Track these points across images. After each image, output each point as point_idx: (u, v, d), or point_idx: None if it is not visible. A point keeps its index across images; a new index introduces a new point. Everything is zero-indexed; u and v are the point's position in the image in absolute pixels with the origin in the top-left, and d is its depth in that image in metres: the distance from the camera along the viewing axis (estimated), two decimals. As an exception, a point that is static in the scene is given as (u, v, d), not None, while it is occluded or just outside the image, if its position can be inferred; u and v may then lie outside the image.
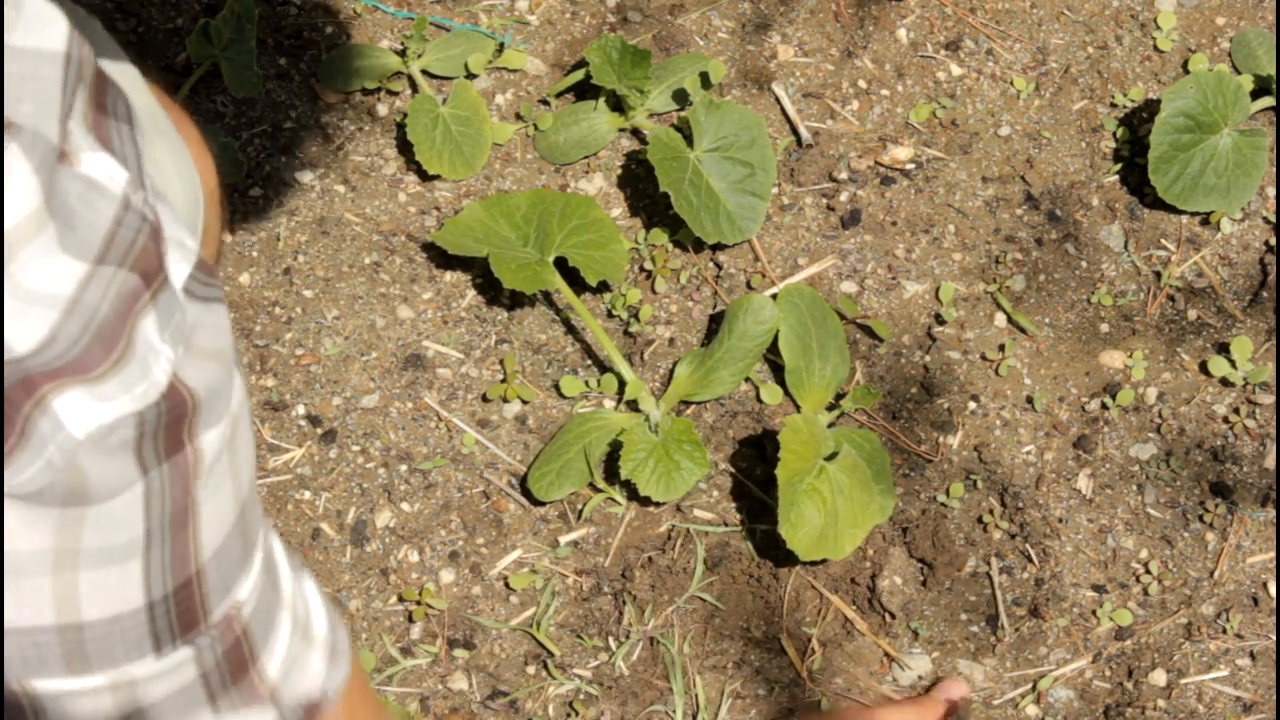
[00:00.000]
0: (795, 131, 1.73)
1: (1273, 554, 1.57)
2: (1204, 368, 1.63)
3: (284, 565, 0.84)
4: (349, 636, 0.88)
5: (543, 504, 1.57)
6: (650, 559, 1.55)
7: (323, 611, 0.87)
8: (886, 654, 1.53)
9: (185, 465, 0.72)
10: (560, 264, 1.63)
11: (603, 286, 1.65)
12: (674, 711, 1.51)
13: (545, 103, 1.75)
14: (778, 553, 1.53)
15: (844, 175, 1.71)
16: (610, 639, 1.53)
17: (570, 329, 1.64)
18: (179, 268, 0.72)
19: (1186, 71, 1.77)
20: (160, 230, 0.71)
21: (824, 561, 1.54)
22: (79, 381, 0.67)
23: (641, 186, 1.71)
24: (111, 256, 0.68)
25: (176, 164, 1.06)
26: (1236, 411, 1.61)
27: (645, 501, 1.56)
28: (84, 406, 0.67)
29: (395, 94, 1.75)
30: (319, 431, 1.60)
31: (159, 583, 0.73)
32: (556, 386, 1.62)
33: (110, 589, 0.71)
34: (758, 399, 1.61)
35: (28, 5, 0.67)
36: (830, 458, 1.52)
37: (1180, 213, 1.70)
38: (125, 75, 1.08)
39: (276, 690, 0.82)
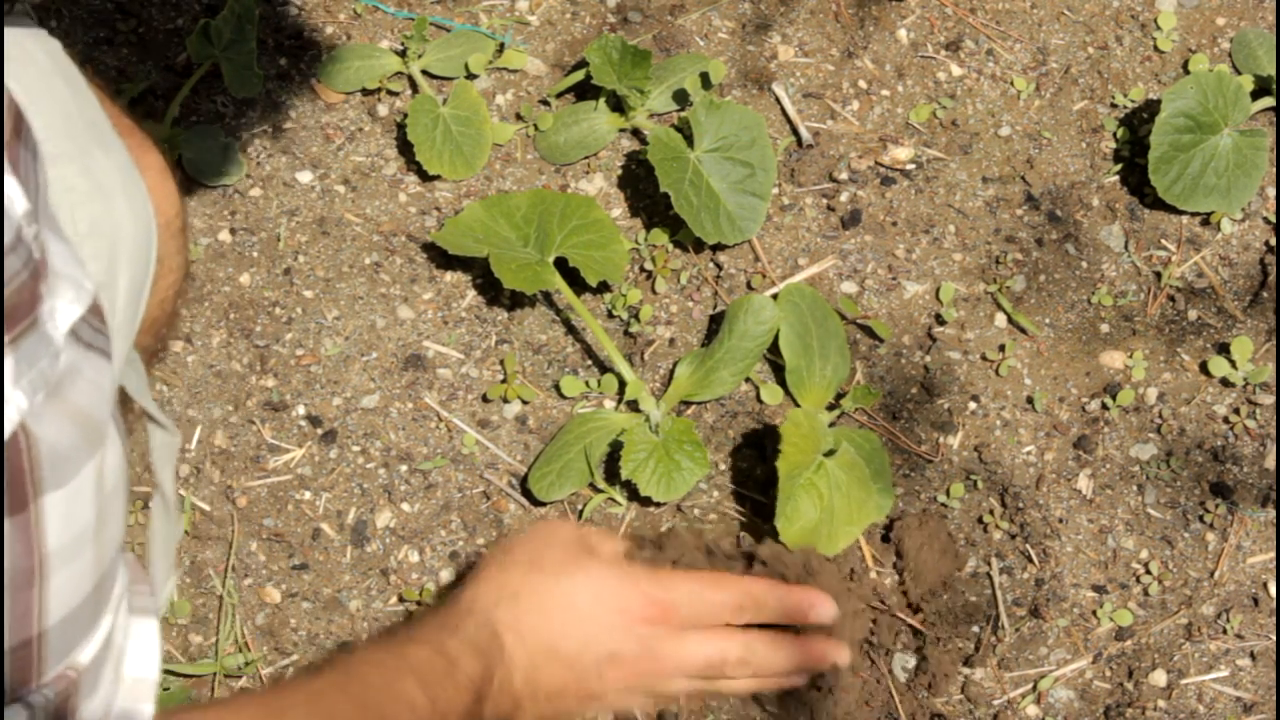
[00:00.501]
0: (795, 132, 1.73)
1: (1273, 554, 1.57)
2: (1204, 368, 1.63)
3: (123, 613, 0.82)
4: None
5: (543, 504, 1.57)
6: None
7: (151, 648, 0.84)
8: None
9: (28, 523, 0.69)
10: (560, 264, 1.63)
11: (603, 287, 1.65)
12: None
13: (545, 103, 1.75)
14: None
15: (844, 175, 1.71)
16: (610, 639, 1.53)
17: (570, 329, 1.64)
18: (68, 308, 0.70)
19: (1187, 72, 1.77)
20: (42, 270, 0.68)
21: None
22: None
23: (642, 187, 1.71)
24: None
25: (126, 189, 1.04)
26: (1237, 412, 1.61)
27: (646, 502, 1.56)
28: None
29: (395, 94, 1.75)
30: (319, 432, 1.60)
31: None
32: (557, 387, 1.62)
33: None
34: (758, 399, 1.61)
35: None
36: (829, 454, 1.52)
37: (1180, 213, 1.70)
38: (80, 92, 1.07)
39: None
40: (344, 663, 1.08)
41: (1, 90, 0.68)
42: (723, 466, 1.58)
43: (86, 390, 0.71)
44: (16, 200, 0.68)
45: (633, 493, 1.56)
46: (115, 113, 1.11)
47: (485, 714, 1.12)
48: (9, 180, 0.68)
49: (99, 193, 0.96)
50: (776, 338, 1.59)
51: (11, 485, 0.68)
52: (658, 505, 1.57)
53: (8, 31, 0.96)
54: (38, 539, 0.70)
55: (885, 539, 1.56)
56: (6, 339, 0.66)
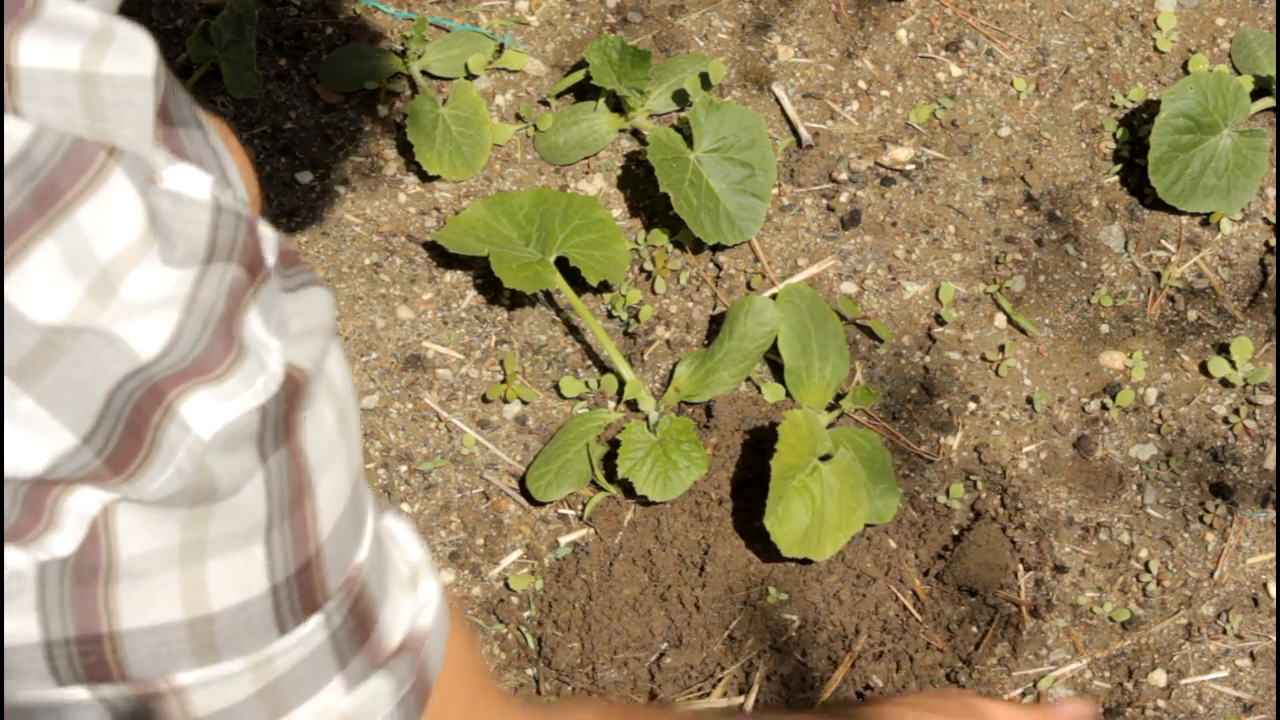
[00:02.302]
0: (795, 132, 1.73)
1: (1273, 555, 1.57)
2: (1204, 368, 1.63)
3: (390, 532, 0.84)
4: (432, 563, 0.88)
5: (542, 504, 1.57)
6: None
7: (414, 542, 0.87)
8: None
9: (298, 444, 0.72)
10: (561, 264, 1.63)
11: (604, 287, 1.65)
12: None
13: (545, 103, 1.75)
14: (763, 546, 1.52)
15: (844, 176, 1.71)
16: (610, 639, 1.53)
17: (570, 330, 1.64)
18: (269, 258, 0.73)
19: (1186, 72, 1.77)
20: (254, 224, 0.72)
21: (807, 561, 1.53)
22: (203, 383, 0.68)
23: (641, 187, 1.71)
24: (218, 255, 0.69)
25: (232, 179, 1.07)
26: (1236, 412, 1.61)
27: (645, 501, 1.56)
28: (209, 408, 0.68)
29: (395, 95, 1.75)
30: (319, 432, 1.60)
31: (281, 566, 0.74)
32: (556, 387, 1.62)
33: (236, 577, 0.72)
34: (755, 402, 1.61)
35: (119, 31, 0.68)
36: (825, 458, 1.52)
37: (1180, 213, 1.70)
38: (174, 85, 1.08)
39: (395, 656, 0.82)
40: None
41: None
42: (724, 465, 1.58)
43: (305, 316, 0.74)
44: (199, 178, 0.70)
45: (629, 491, 1.56)
46: (194, 99, 1.13)
47: None
48: (185, 168, 0.70)
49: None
50: (776, 338, 1.59)
51: (287, 416, 0.71)
52: (656, 505, 1.57)
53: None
54: (302, 453, 0.73)
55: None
56: (252, 290, 0.70)
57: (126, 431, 0.66)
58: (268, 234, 0.75)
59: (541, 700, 1.39)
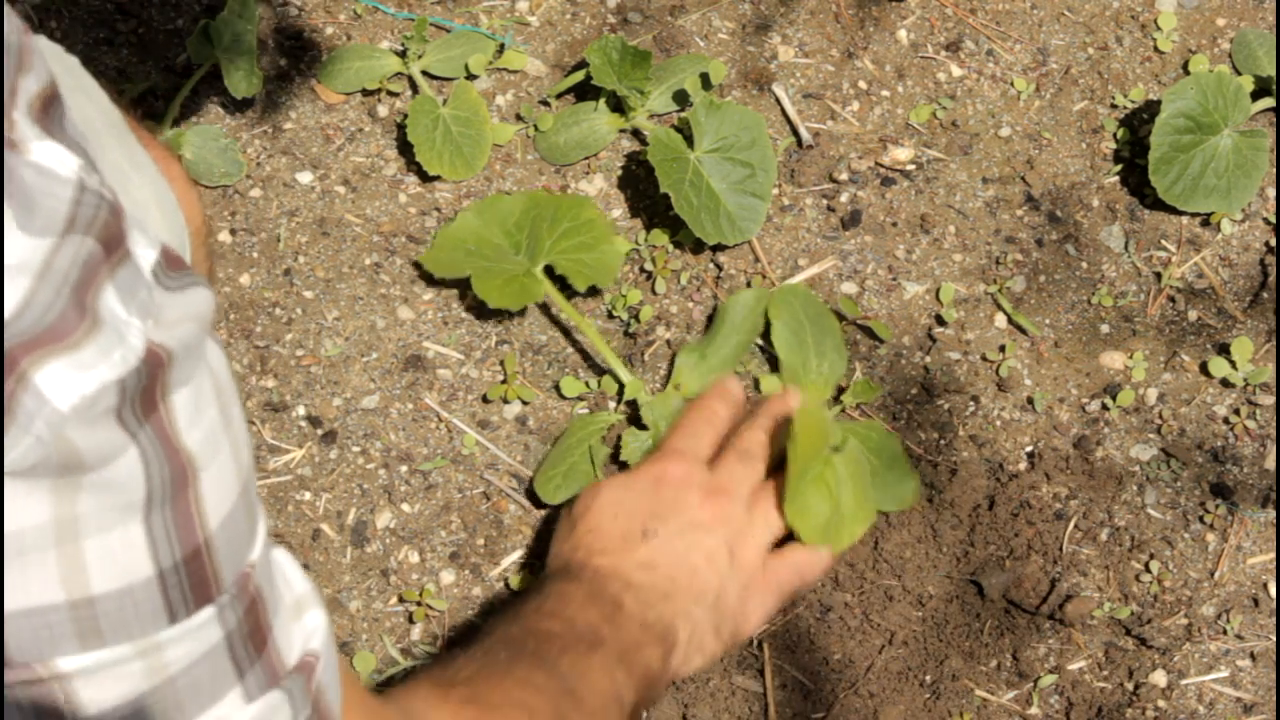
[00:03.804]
0: (796, 132, 1.73)
1: (1273, 555, 1.57)
2: (1204, 369, 1.63)
3: (276, 563, 0.85)
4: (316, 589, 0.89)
5: (546, 506, 1.57)
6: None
7: (299, 574, 0.88)
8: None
9: (162, 423, 0.72)
10: (552, 271, 1.63)
11: (592, 292, 1.64)
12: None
13: (545, 104, 1.75)
14: (781, 541, 1.52)
15: (844, 176, 1.71)
16: (610, 640, 1.53)
17: (570, 330, 1.64)
18: (144, 252, 0.73)
19: (1187, 72, 1.77)
20: (120, 209, 0.72)
21: None
22: (57, 351, 0.68)
23: (642, 187, 1.71)
24: (76, 229, 0.70)
25: (158, 200, 1.07)
26: (1237, 413, 1.61)
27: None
28: (65, 378, 0.68)
29: (396, 95, 1.75)
30: (319, 432, 1.60)
31: (166, 550, 0.73)
32: (557, 387, 1.62)
33: (117, 558, 0.72)
34: (756, 390, 1.61)
35: None
36: (834, 450, 1.52)
37: (1181, 213, 1.70)
38: (104, 108, 1.09)
39: (291, 676, 0.83)
40: (536, 652, 1.19)
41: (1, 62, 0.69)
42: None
43: (186, 307, 0.74)
44: (66, 159, 0.70)
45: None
46: (135, 125, 1.13)
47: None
48: (53, 145, 0.71)
49: (135, 207, 0.99)
50: (770, 331, 1.60)
51: (146, 391, 0.72)
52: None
53: None
54: (175, 435, 0.73)
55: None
56: (108, 267, 0.71)
57: None
58: (150, 231, 0.75)
59: None
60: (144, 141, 1.11)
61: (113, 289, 0.70)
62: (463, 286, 1.66)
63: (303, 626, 0.86)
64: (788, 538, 1.47)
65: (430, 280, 1.66)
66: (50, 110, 0.73)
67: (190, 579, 0.75)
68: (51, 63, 0.89)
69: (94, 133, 1.01)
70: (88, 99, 1.06)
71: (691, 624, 1.37)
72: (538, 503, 1.57)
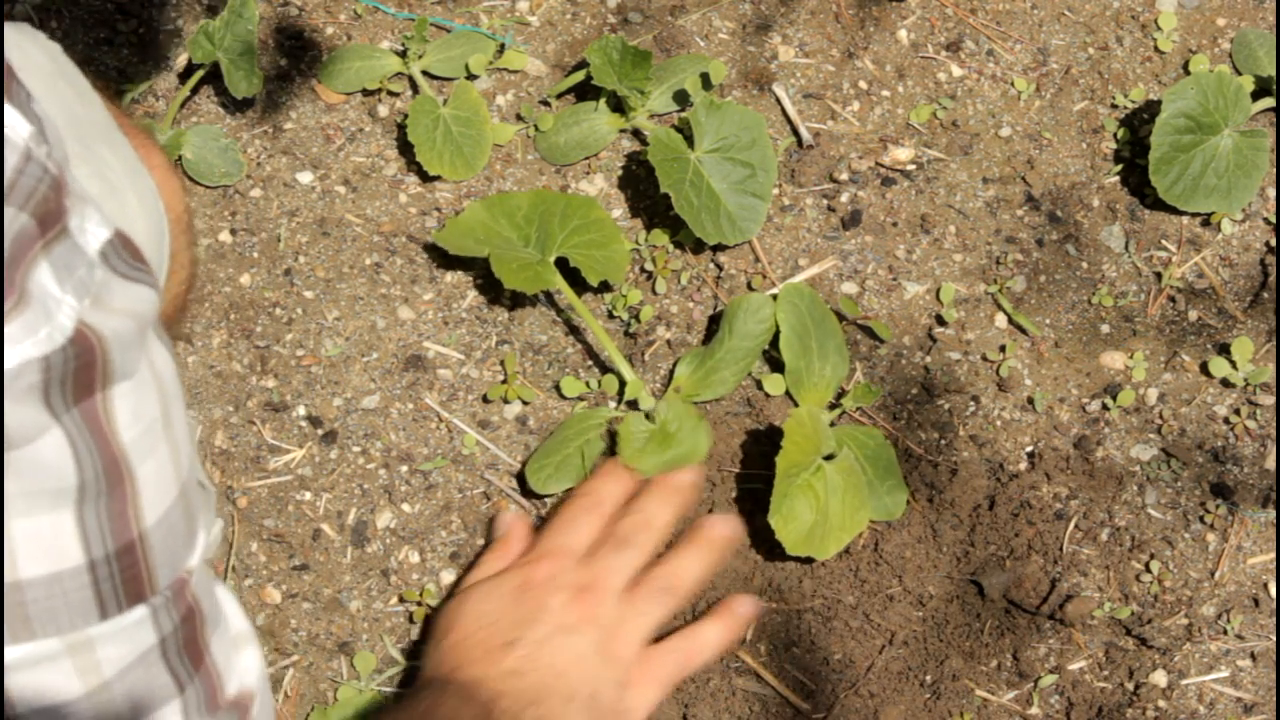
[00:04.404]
0: (796, 132, 1.73)
1: (1273, 555, 1.57)
2: (1205, 369, 1.63)
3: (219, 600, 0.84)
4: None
5: (539, 496, 1.57)
6: (651, 560, 1.54)
7: (239, 614, 0.87)
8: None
9: (96, 413, 0.72)
10: (561, 264, 1.63)
11: (604, 287, 1.65)
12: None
13: (546, 104, 1.75)
14: (768, 545, 1.52)
15: (845, 176, 1.71)
16: (611, 640, 1.53)
17: (571, 330, 1.64)
18: (95, 230, 0.72)
19: (1187, 72, 1.77)
20: (63, 184, 0.71)
21: (809, 560, 1.54)
22: None
23: (642, 187, 1.71)
24: (14, 199, 0.69)
25: (135, 187, 1.07)
26: (1237, 413, 1.61)
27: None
28: None
29: (396, 95, 1.75)
30: (320, 432, 1.60)
31: (98, 541, 0.72)
32: (557, 387, 1.62)
33: (46, 544, 0.71)
34: (751, 401, 1.61)
35: None
36: (828, 458, 1.52)
37: (1181, 213, 1.70)
38: (84, 93, 1.08)
39: (229, 708, 0.82)
40: None
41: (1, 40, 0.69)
42: (724, 466, 1.58)
43: (131, 300, 0.73)
44: (19, 125, 0.69)
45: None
46: (116, 112, 1.13)
47: None
48: (9, 109, 0.70)
49: (111, 193, 0.98)
50: (776, 337, 1.59)
51: (78, 376, 0.70)
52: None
53: (8, 35, 0.98)
54: (110, 429, 0.72)
55: None
56: (41, 244, 0.69)
57: None
58: (104, 209, 0.75)
59: None
60: (126, 130, 1.11)
61: (47, 265, 0.70)
62: (464, 285, 1.66)
63: (241, 660, 0.85)
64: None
65: (439, 265, 1.66)
66: (11, 82, 0.73)
67: (123, 573, 0.74)
68: (32, 47, 0.89)
69: (71, 118, 1.01)
70: (68, 84, 1.06)
71: None
72: (536, 495, 1.57)
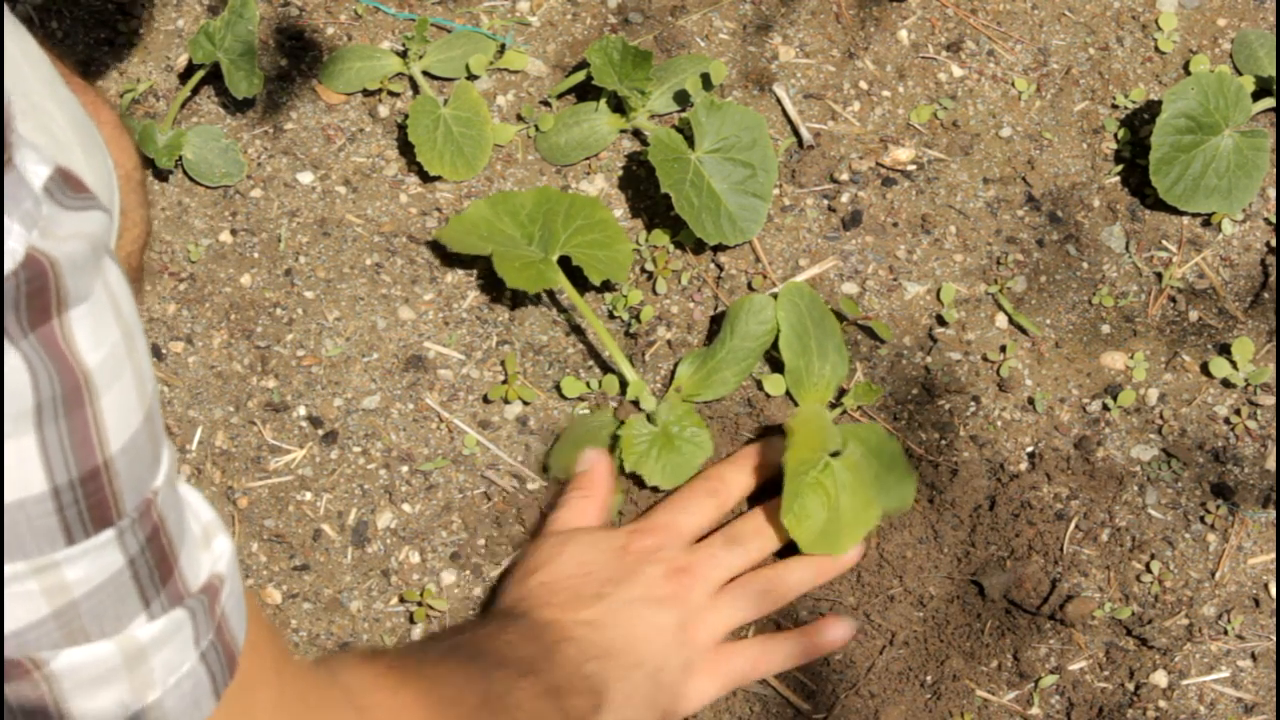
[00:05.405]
0: (796, 132, 1.73)
1: (1273, 555, 1.57)
2: (1205, 369, 1.63)
3: (182, 496, 0.85)
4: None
5: (549, 487, 1.57)
6: (652, 560, 1.54)
7: (204, 505, 0.87)
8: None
9: (54, 337, 0.72)
10: (564, 264, 1.63)
11: (606, 286, 1.65)
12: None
13: (546, 104, 1.75)
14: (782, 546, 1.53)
15: (845, 176, 1.71)
16: (612, 640, 1.53)
17: (571, 330, 1.64)
18: (35, 169, 0.73)
19: (1188, 73, 1.77)
20: (7, 118, 0.71)
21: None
22: None
23: (642, 188, 1.71)
24: None
25: (81, 141, 1.07)
26: (1238, 413, 1.61)
27: (654, 490, 1.56)
28: None
29: (396, 95, 1.75)
30: (320, 433, 1.60)
31: (61, 466, 0.73)
32: (558, 388, 1.62)
33: (8, 469, 0.71)
34: (751, 401, 1.61)
35: None
36: (834, 455, 1.52)
37: (1181, 214, 1.70)
38: (28, 50, 1.08)
39: (194, 593, 0.82)
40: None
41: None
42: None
43: (80, 225, 0.73)
44: None
45: (639, 483, 1.56)
46: (65, 71, 1.13)
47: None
48: None
49: (58, 148, 0.98)
50: (776, 337, 1.59)
51: (32, 300, 0.71)
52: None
53: None
54: (71, 352, 0.72)
55: None
56: None
57: None
58: (45, 148, 0.75)
59: None
60: (74, 86, 1.11)
61: None
62: (464, 285, 1.66)
63: (210, 553, 0.85)
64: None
65: (440, 265, 1.66)
66: None
67: (88, 499, 0.74)
68: None
69: (13, 65, 1.01)
70: (13, 42, 1.06)
71: (628, 687, 1.37)
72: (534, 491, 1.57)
